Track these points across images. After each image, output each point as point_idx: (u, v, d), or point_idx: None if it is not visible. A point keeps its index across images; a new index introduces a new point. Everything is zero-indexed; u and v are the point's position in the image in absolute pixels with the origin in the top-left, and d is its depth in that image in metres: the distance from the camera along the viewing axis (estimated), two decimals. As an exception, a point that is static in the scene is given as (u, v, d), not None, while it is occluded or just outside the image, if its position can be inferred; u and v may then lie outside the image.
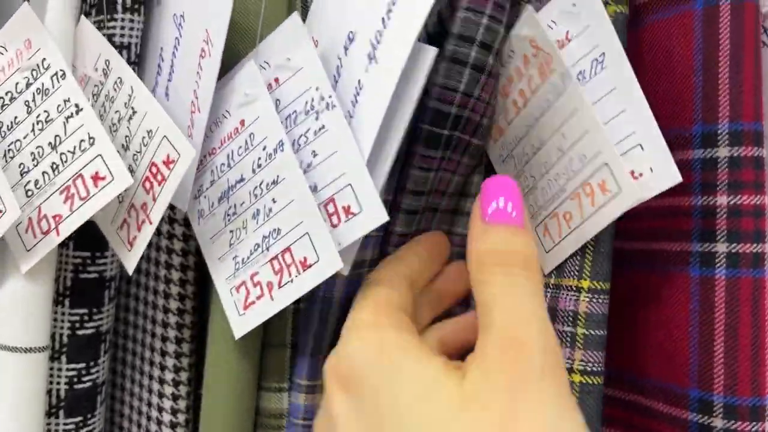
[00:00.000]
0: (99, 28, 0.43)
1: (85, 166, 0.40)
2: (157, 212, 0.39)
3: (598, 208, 0.37)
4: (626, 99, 0.37)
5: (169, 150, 0.38)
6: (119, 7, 0.42)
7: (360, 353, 0.33)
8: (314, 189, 0.38)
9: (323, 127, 0.38)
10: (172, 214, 0.46)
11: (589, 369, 0.37)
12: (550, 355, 0.30)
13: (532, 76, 0.38)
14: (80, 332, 0.44)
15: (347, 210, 0.37)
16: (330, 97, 0.37)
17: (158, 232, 0.46)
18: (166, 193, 0.39)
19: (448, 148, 0.41)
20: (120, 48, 0.42)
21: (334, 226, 0.37)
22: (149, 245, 0.47)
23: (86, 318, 0.44)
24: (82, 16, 0.43)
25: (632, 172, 0.37)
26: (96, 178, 0.39)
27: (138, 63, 0.43)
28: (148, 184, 0.40)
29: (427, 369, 0.31)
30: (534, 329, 0.30)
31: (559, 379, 0.29)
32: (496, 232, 0.33)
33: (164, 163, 0.39)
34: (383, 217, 0.35)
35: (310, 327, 0.40)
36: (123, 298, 0.50)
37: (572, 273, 0.38)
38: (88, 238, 0.44)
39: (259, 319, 0.39)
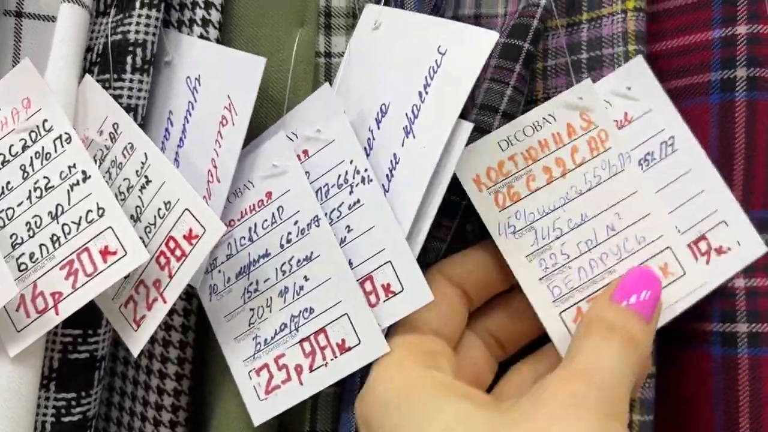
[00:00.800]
0: (104, 88, 0.40)
1: (92, 239, 0.36)
2: (174, 291, 0.36)
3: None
4: (705, 179, 0.38)
5: (192, 224, 0.36)
6: (128, 67, 0.39)
7: (383, 394, 0.32)
8: (349, 265, 0.36)
9: (358, 201, 0.36)
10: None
11: None
12: (611, 417, 0.29)
13: (577, 148, 0.38)
14: (66, 419, 0.40)
15: (387, 288, 0.35)
16: (366, 171, 0.36)
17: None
18: (187, 271, 0.36)
19: (463, 216, 0.41)
20: (126, 110, 0.39)
21: (372, 305, 0.35)
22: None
23: (73, 403, 0.40)
24: (87, 75, 0.40)
25: (719, 248, 0.37)
26: (105, 252, 0.36)
27: (143, 126, 0.40)
28: (163, 260, 0.37)
29: (457, 405, 0.30)
30: (607, 381, 0.30)
31: None
32: (619, 310, 0.34)
33: (185, 237, 0.36)
34: (428, 296, 0.34)
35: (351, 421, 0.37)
36: (107, 377, 0.46)
37: None
38: (80, 314, 0.39)
39: (284, 405, 0.36)
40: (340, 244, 0.36)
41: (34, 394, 0.38)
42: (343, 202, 0.37)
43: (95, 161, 0.39)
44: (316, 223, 0.37)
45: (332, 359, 0.36)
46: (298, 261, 0.37)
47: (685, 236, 0.38)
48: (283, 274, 0.37)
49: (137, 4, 0.40)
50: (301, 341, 0.37)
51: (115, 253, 0.36)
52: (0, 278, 0.35)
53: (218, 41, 0.41)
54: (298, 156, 0.38)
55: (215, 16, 0.41)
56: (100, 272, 0.36)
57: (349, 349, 0.36)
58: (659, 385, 0.41)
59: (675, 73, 0.41)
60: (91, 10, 0.41)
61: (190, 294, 0.42)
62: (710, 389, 0.39)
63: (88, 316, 0.40)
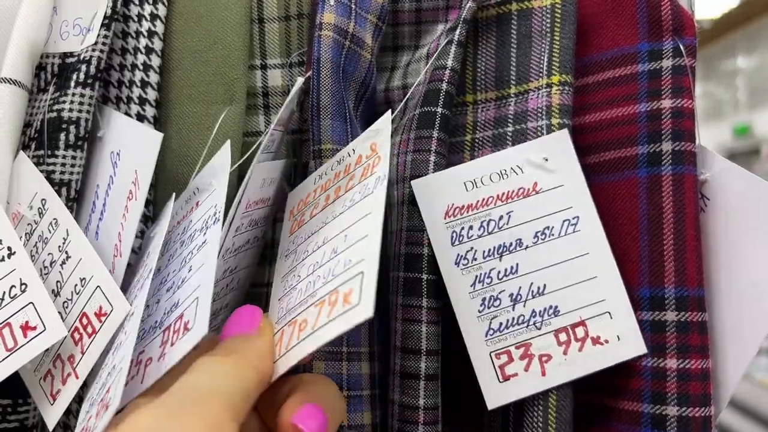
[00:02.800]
0: (38, 164, 0.41)
1: (14, 314, 0.37)
2: (85, 366, 0.37)
3: (329, 320, 0.31)
4: (599, 266, 0.37)
5: (102, 302, 0.37)
6: (61, 144, 0.41)
7: None
8: (177, 305, 0.34)
9: (205, 241, 0.35)
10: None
11: None
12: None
13: (354, 175, 0.37)
14: (-6, 488, 0.40)
15: (186, 326, 0.33)
16: (219, 212, 0.35)
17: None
18: (96, 347, 0.36)
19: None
20: (59, 185, 0.41)
21: (172, 344, 0.33)
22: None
23: (2, 472, 0.41)
24: (21, 152, 0.42)
25: (597, 338, 0.37)
26: (26, 327, 0.37)
27: (77, 199, 0.42)
28: (77, 335, 0.37)
29: None
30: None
31: None
32: (227, 341, 0.33)
33: (96, 315, 0.37)
34: (203, 331, 0.31)
35: None
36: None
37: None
38: (10, 385, 0.40)
39: None
40: (180, 285, 0.35)
41: (-43, 463, 0.39)
42: (196, 245, 0.36)
43: (25, 235, 0.41)
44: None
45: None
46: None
47: (563, 318, 0.37)
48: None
49: (72, 83, 0.41)
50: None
51: (35, 328, 0.37)
52: None
53: (155, 118, 0.43)
54: (192, 208, 0.39)
55: (152, 94, 0.43)
56: (21, 347, 0.37)
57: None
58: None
59: (603, 146, 0.41)
60: (30, 88, 0.43)
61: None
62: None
63: (18, 387, 0.41)
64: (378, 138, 0.37)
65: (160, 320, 0.35)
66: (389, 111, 0.37)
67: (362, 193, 0.35)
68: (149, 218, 0.42)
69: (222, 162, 0.38)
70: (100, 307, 0.37)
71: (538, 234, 0.38)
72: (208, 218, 0.37)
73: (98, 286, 0.37)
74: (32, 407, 0.42)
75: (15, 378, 0.40)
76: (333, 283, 0.33)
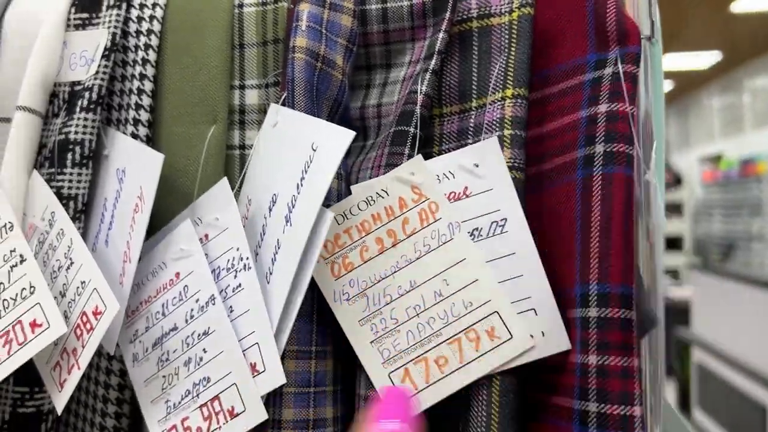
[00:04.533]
0: (49, 181, 0.46)
1: (24, 313, 0.43)
2: (85, 358, 0.42)
3: (482, 353, 0.39)
4: (525, 265, 0.40)
5: (98, 302, 0.42)
6: (68, 162, 0.46)
7: None
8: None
9: (240, 285, 0.41)
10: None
11: None
12: None
13: (407, 219, 0.42)
14: (15, 467, 0.46)
15: (253, 367, 0.40)
16: (247, 258, 0.41)
17: (97, 366, 0.49)
18: (93, 342, 0.42)
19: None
20: (67, 199, 0.46)
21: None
22: (88, 378, 0.49)
23: (22, 452, 0.46)
24: (35, 171, 0.47)
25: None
26: (33, 324, 0.42)
27: (85, 211, 0.47)
28: (79, 331, 0.43)
29: None
30: None
31: None
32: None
33: (93, 313, 0.42)
34: (281, 380, 0.38)
35: None
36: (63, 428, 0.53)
37: None
38: (28, 374, 0.46)
39: None
40: None
41: (-17, 443, 0.44)
42: (229, 285, 0.42)
43: (38, 244, 0.46)
44: (213, 302, 0.42)
45: (224, 423, 0.41)
46: (198, 335, 0.42)
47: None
48: (187, 346, 0.43)
49: (77, 109, 0.47)
50: (201, 406, 0.42)
51: (41, 325, 0.42)
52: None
53: (148, 137, 0.48)
54: (201, 239, 0.44)
55: (144, 116, 0.48)
56: (29, 342, 0.42)
57: (237, 415, 0.40)
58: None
59: (554, 153, 0.44)
60: (44, 114, 0.49)
61: (124, 371, 0.48)
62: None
63: (34, 377, 0.46)
64: (421, 182, 0.42)
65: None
66: (420, 158, 0.42)
67: (438, 240, 0.41)
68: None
69: (227, 198, 0.43)
70: (96, 307, 0.42)
71: (468, 234, 0.41)
72: (234, 260, 0.42)
73: (95, 289, 0.42)
74: (47, 395, 0.47)
75: (31, 369, 0.46)
76: (461, 323, 0.40)
